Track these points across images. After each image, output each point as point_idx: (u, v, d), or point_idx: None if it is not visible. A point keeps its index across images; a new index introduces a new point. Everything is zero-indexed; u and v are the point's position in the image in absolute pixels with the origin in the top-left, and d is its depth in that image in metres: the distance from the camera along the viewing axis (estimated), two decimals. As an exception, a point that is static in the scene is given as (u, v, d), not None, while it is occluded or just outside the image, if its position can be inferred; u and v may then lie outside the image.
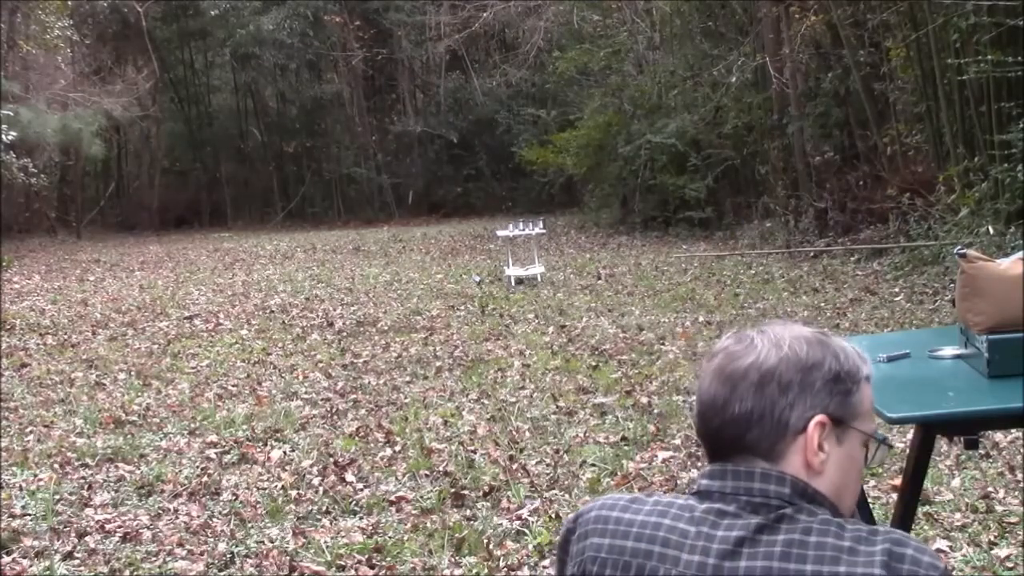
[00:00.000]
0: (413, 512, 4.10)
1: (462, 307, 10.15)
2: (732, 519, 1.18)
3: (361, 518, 4.07)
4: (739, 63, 15.50)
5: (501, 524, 3.90)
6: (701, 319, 8.57)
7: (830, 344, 1.25)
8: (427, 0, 25.50)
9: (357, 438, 5.28)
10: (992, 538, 3.52)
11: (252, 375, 7.16)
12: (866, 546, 1.13)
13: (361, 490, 4.42)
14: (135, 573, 3.62)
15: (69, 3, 25.16)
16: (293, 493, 4.39)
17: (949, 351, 2.58)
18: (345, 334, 8.78)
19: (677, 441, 4.87)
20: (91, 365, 7.68)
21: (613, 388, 6.13)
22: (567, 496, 4.19)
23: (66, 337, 9.07)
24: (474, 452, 4.93)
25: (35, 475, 4.75)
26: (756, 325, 1.28)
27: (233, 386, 6.79)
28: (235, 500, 4.33)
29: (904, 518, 2.46)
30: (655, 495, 1.27)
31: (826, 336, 1.26)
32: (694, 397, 1.26)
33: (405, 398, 6.21)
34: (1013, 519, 3.68)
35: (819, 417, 1.20)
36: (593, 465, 4.59)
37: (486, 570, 3.50)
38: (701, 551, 1.17)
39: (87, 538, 3.92)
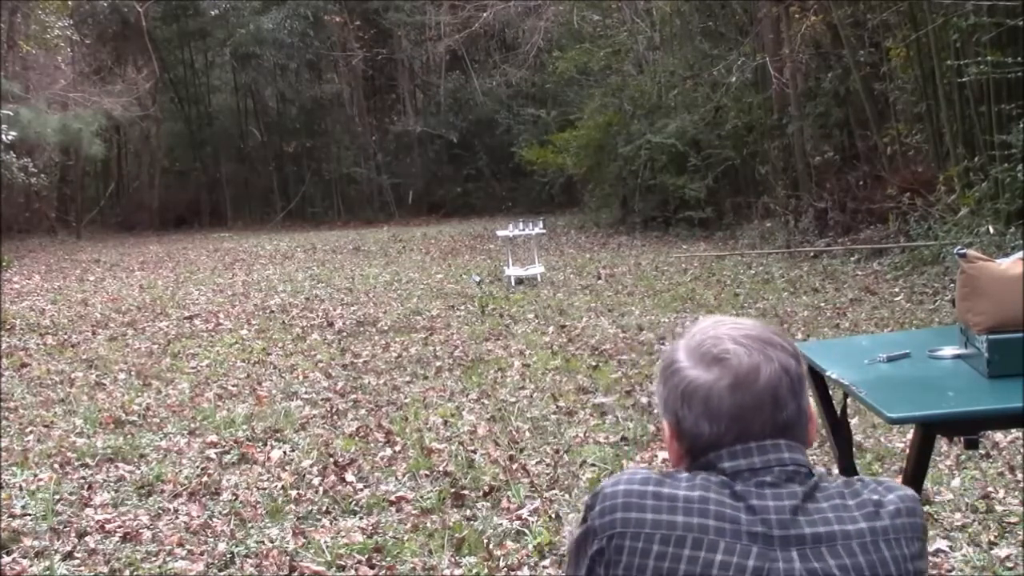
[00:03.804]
0: (413, 512, 4.10)
1: (462, 307, 10.14)
2: (774, 488, 1.22)
3: (361, 518, 4.07)
4: (739, 63, 15.50)
5: (501, 524, 3.90)
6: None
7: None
8: (427, 0, 25.48)
9: (357, 438, 5.28)
10: (992, 538, 3.52)
11: (252, 375, 7.16)
12: (888, 494, 1.25)
13: (361, 490, 4.41)
14: (135, 573, 3.62)
15: (69, 3, 25.18)
16: (293, 493, 4.39)
17: (949, 351, 2.59)
18: (345, 334, 8.77)
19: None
20: (91, 365, 7.68)
21: (613, 388, 6.13)
22: (567, 496, 4.18)
23: (66, 337, 9.07)
24: (474, 452, 4.92)
25: (35, 475, 4.75)
26: (695, 327, 1.31)
27: (233, 386, 6.79)
28: (235, 500, 4.33)
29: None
30: (676, 472, 1.28)
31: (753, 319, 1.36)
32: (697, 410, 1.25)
33: (405, 398, 6.21)
34: (1013, 519, 3.68)
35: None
36: (593, 465, 4.59)
37: (486, 570, 3.49)
38: (761, 523, 1.20)
39: (87, 538, 3.92)
